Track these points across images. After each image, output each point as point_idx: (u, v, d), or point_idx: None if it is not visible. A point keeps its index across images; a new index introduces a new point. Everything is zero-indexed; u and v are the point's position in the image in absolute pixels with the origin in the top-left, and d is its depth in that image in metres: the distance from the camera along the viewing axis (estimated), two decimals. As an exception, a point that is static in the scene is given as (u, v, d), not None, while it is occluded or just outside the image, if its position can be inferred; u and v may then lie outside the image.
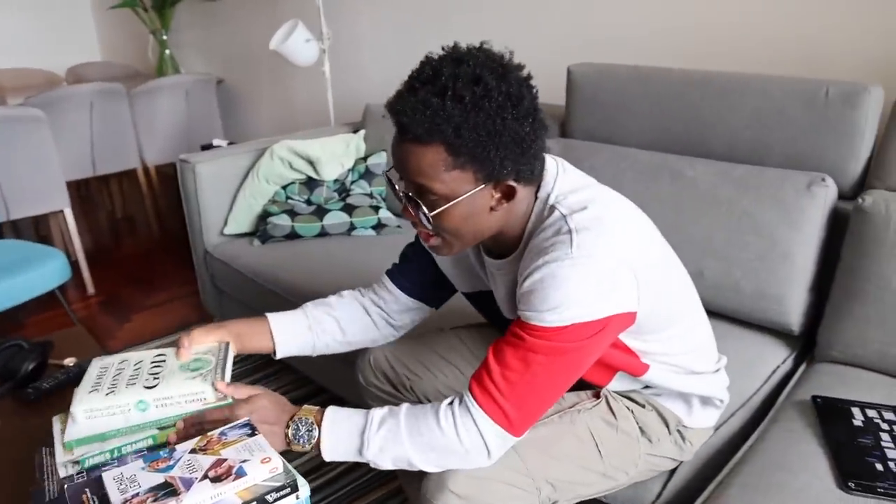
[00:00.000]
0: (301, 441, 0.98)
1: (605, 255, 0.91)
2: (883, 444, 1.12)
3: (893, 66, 1.59)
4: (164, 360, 1.06)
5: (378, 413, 0.99)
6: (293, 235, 2.23)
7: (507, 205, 0.97)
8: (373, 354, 1.32)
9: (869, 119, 1.49)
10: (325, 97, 2.98)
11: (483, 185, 0.93)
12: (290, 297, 1.95)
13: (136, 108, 3.47)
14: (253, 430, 0.90)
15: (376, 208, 2.27)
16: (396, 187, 1.01)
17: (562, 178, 1.01)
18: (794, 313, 1.50)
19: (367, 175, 2.39)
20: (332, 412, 1.00)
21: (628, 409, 1.13)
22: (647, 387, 1.15)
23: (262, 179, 2.34)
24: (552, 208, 0.97)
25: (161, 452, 0.87)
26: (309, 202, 2.35)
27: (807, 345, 1.55)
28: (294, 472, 0.85)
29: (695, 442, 1.19)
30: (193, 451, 0.87)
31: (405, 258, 1.27)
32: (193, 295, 2.77)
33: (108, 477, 0.82)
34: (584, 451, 1.09)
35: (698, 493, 1.14)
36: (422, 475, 1.01)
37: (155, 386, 0.98)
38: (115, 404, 0.95)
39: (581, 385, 1.10)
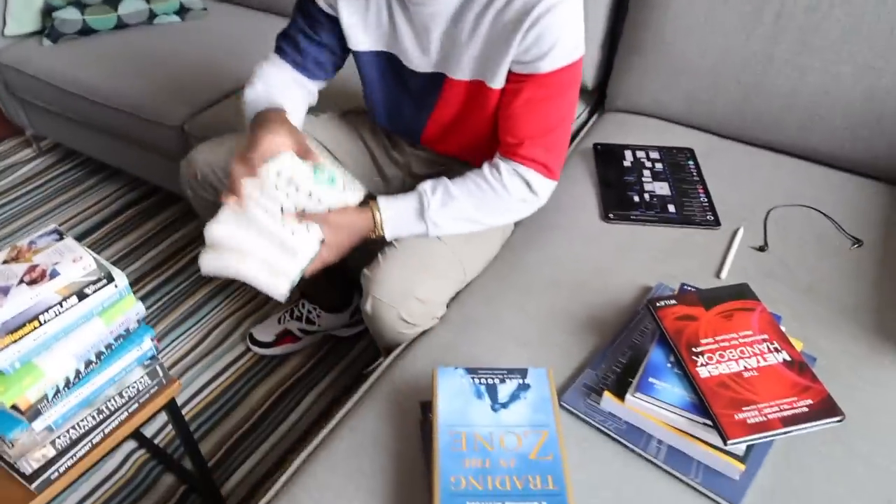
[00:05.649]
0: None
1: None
2: (643, 180, 1.32)
3: None
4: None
5: (427, 184, 1.08)
6: (87, 31, 2.04)
7: None
8: (199, 169, 1.28)
9: None
10: None
11: None
12: (96, 99, 1.86)
13: None
14: (61, 236, 0.93)
15: (178, -8, 2.10)
16: None
17: None
18: (587, 67, 1.61)
19: (162, -46, 2.16)
20: (381, 198, 1.08)
21: None
22: None
23: (36, -34, 2.07)
24: None
25: (-31, 267, 0.89)
26: (99, -10, 2.13)
27: (599, 99, 1.71)
28: (107, 265, 0.90)
29: None
30: (5, 261, 0.90)
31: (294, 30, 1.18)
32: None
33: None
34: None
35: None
36: None
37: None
38: None
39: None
